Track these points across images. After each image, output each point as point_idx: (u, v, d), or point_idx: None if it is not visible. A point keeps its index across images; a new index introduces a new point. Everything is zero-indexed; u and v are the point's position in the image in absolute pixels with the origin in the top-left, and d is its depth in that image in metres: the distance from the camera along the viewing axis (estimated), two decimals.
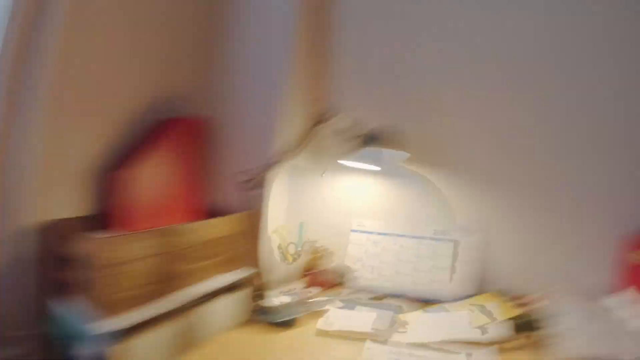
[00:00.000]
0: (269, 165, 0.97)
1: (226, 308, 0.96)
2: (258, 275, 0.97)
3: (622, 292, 1.03)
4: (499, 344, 0.86)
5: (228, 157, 1.15)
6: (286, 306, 0.99)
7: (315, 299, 1.06)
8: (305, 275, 1.13)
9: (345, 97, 1.27)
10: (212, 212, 1.04)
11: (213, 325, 0.90)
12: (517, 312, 0.97)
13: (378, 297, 1.12)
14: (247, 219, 0.97)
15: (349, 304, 1.06)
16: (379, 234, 1.21)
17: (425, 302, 1.09)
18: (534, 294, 1.03)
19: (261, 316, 0.94)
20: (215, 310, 0.92)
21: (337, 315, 0.98)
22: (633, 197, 1.07)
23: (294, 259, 1.13)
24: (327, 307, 1.01)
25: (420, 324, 0.96)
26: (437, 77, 1.20)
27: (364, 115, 1.16)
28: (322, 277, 1.19)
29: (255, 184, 0.96)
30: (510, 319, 0.94)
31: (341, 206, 1.26)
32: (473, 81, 1.17)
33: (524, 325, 0.94)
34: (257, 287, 0.98)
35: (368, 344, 0.86)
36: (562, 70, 1.11)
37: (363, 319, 0.96)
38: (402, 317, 1.00)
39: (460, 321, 0.96)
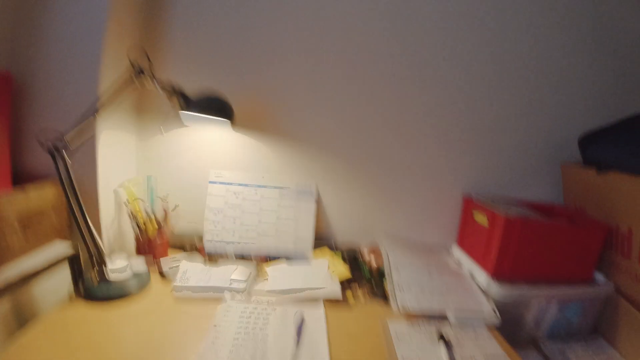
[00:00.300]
0: (85, 121, 0.83)
1: (51, 285, 0.85)
2: (87, 244, 0.87)
3: (456, 248, 1.16)
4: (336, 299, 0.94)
5: (36, 116, 0.95)
6: (131, 274, 0.96)
7: (169, 260, 1.04)
8: (154, 235, 1.05)
9: (174, 58, 1.14)
10: (20, 179, 0.89)
11: (38, 306, 0.85)
12: (354, 267, 1.05)
13: (240, 251, 1.14)
14: (59, 186, 0.83)
15: (208, 261, 1.08)
16: (239, 184, 1.19)
17: (287, 255, 1.16)
18: (370, 249, 1.10)
19: (96, 289, 0.89)
20: (39, 289, 0.85)
21: (194, 274, 0.99)
22: (472, 160, 1.18)
23: (145, 219, 1.03)
24: (183, 267, 1.01)
25: (280, 274, 1.03)
26: (271, 44, 1.14)
27: (193, 77, 1.11)
28: (174, 235, 1.17)
29: (67, 144, 0.81)
30: (347, 275, 0.99)
31: (197, 159, 1.20)
32: (308, 50, 1.14)
33: (359, 281, 1.00)
34: (90, 258, 0.91)
35: (226, 296, 0.91)
36: (401, 35, 1.12)
37: (222, 273, 0.99)
38: (263, 268, 1.06)
39: (319, 271, 1.04)
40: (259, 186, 1.19)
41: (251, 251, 1.15)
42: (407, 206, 1.23)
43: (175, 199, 1.16)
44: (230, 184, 1.19)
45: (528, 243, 0.95)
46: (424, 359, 0.77)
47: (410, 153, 1.18)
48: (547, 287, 0.97)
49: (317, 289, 0.95)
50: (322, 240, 1.22)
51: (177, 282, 0.93)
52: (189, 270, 0.99)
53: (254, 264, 1.06)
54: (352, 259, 1.13)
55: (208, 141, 1.19)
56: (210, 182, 1.18)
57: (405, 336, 0.84)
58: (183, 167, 1.20)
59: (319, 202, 1.21)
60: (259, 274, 1.05)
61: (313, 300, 0.94)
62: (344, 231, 1.25)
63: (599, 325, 1.06)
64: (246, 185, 1.19)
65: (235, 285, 0.95)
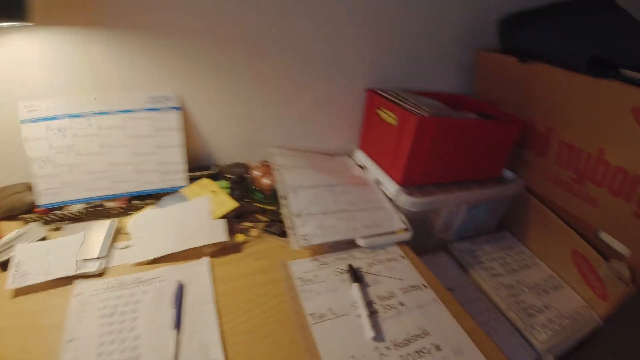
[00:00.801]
0: None
1: None
2: None
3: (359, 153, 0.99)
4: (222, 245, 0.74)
5: None
6: None
7: None
8: None
9: None
10: None
11: None
12: (243, 192, 0.84)
13: (88, 208, 0.83)
14: None
15: (51, 231, 0.77)
16: (65, 116, 0.81)
17: (155, 196, 0.87)
18: (260, 166, 0.89)
19: None
20: None
21: (32, 263, 0.69)
22: (373, 50, 0.95)
23: None
24: (17, 256, 0.69)
25: (148, 231, 0.77)
26: None
27: None
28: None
29: None
30: (232, 205, 0.79)
31: None
32: None
33: (250, 211, 0.80)
34: None
35: (78, 285, 0.65)
36: None
37: (67, 251, 0.70)
38: (123, 225, 0.79)
39: (198, 213, 0.80)
40: (95, 113, 0.82)
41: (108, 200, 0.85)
42: (301, 109, 0.99)
43: None
44: (52, 118, 0.80)
45: (441, 144, 0.81)
46: (336, 306, 0.63)
47: (299, 45, 0.89)
48: (457, 189, 0.87)
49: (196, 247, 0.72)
50: (200, 164, 0.95)
51: (12, 283, 0.63)
52: (24, 260, 0.67)
53: (110, 225, 0.77)
54: (240, 182, 0.90)
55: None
56: (22, 121, 0.78)
57: (311, 279, 0.67)
58: None
59: (186, 117, 0.90)
60: (120, 234, 0.77)
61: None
62: (226, 150, 0.98)
63: (505, 221, 1.04)
64: (75, 115, 0.81)
65: (86, 267, 0.67)
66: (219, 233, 0.73)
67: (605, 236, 0.80)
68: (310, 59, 0.91)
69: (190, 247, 0.71)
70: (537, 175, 0.93)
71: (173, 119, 0.87)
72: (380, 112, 0.92)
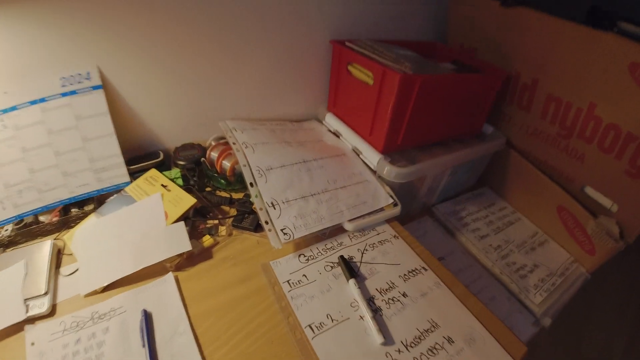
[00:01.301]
0: None
1: None
2: None
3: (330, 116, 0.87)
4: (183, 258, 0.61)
5: None
6: None
7: None
8: None
9: None
10: None
11: None
12: (202, 181, 0.71)
13: (20, 228, 0.66)
14: None
15: None
16: None
17: (97, 199, 0.72)
18: (218, 146, 0.75)
19: None
20: None
21: None
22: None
23: None
24: None
25: (94, 248, 0.62)
26: None
27: None
28: None
29: None
30: (189, 201, 0.66)
31: None
32: None
33: (212, 206, 0.68)
34: None
35: (31, 331, 0.52)
36: None
37: (9, 287, 0.56)
38: (64, 245, 0.64)
39: (149, 217, 0.66)
40: (5, 111, 0.63)
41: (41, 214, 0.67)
42: (256, 71, 0.82)
43: None
44: None
45: (425, 103, 0.71)
46: (334, 310, 0.54)
47: None
48: (441, 152, 0.79)
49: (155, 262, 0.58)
50: (143, 152, 0.78)
51: None
52: None
53: (51, 246, 0.60)
54: (195, 169, 0.75)
55: None
56: None
57: (301, 280, 0.57)
58: None
59: (113, 97, 0.71)
60: (63, 254, 0.62)
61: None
62: (172, 130, 0.80)
63: (485, 177, 0.99)
64: None
65: (35, 307, 0.53)
66: (179, 241, 0.60)
67: (590, 191, 0.78)
68: (261, 7, 0.74)
69: (146, 265, 0.58)
70: (519, 130, 0.87)
71: (96, 102, 0.68)
72: (351, 68, 0.79)
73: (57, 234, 0.66)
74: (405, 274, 0.61)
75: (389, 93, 0.69)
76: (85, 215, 0.68)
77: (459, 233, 0.83)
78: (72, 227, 0.66)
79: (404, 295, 0.57)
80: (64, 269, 0.60)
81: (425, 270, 0.62)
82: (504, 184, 0.95)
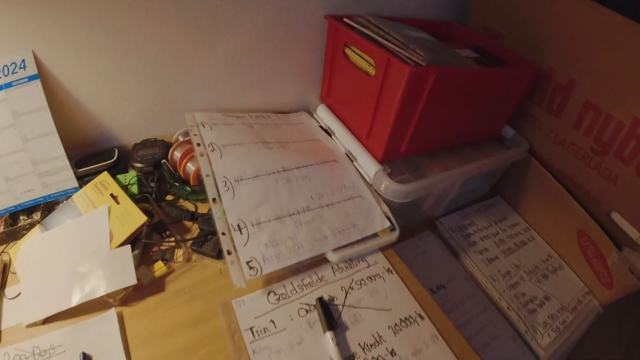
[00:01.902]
0: None
1: None
2: None
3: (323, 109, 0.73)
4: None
5: None
6: None
7: None
8: None
9: None
10: None
11: None
12: (162, 185, 0.59)
13: None
14: None
15: None
16: None
17: (45, 206, 0.61)
18: (185, 144, 0.63)
19: None
20: None
21: None
22: None
23: None
24: None
25: (37, 269, 0.52)
26: None
27: None
28: None
29: None
30: (140, 220, 0.54)
31: None
32: None
33: (170, 222, 0.57)
34: None
35: None
36: None
37: None
38: (10, 259, 0.55)
39: (93, 237, 0.54)
40: None
41: None
42: (232, 50, 0.67)
43: None
44: None
45: (439, 102, 0.57)
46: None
47: None
48: (453, 161, 0.67)
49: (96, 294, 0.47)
50: (94, 150, 0.65)
51: None
52: None
53: None
54: (153, 172, 0.62)
55: None
56: None
57: (267, 327, 0.46)
58: None
59: (55, 88, 0.57)
60: (9, 272, 0.52)
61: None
62: (129, 124, 0.66)
63: (499, 185, 0.86)
64: None
65: None
66: (124, 272, 0.48)
67: (618, 218, 0.65)
68: None
69: (86, 300, 0.47)
70: (544, 136, 0.72)
71: (34, 95, 0.55)
72: (349, 51, 0.64)
73: (4, 245, 0.56)
74: (396, 324, 0.49)
75: (394, 89, 0.54)
76: (34, 224, 0.57)
77: (464, 254, 0.72)
78: (20, 237, 0.56)
79: (392, 353, 0.46)
80: (9, 290, 0.51)
81: (422, 318, 0.50)
82: (520, 195, 0.82)
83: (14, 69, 0.54)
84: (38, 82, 0.55)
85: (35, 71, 0.55)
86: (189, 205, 0.61)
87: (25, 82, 0.55)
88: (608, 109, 0.61)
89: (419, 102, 0.55)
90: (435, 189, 0.63)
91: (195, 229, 0.58)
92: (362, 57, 0.61)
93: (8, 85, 0.55)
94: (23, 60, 0.54)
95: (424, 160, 0.66)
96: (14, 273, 0.52)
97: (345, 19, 0.65)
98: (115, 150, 0.64)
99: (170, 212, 0.58)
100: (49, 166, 0.59)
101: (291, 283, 0.52)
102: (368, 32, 0.61)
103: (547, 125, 0.71)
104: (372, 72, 0.58)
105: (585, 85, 0.63)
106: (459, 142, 0.71)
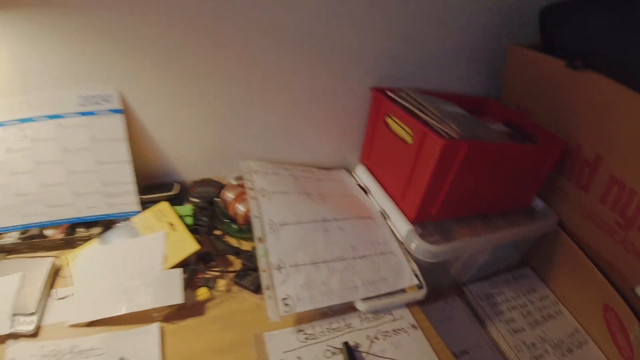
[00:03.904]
0: None
1: None
2: None
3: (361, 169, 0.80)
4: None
5: None
6: None
7: None
8: None
9: None
10: None
11: None
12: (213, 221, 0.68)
13: (25, 238, 0.64)
14: None
15: None
16: None
17: (103, 223, 0.69)
18: (237, 187, 0.70)
19: None
20: None
21: None
22: (383, 40, 0.74)
23: None
24: None
25: (90, 278, 0.59)
26: None
27: None
28: None
29: None
30: (192, 248, 0.62)
31: None
32: None
33: (217, 254, 0.62)
34: None
35: (11, 348, 0.50)
36: None
37: (1, 297, 0.55)
38: (64, 264, 0.61)
39: (149, 257, 0.61)
40: (22, 120, 0.62)
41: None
42: (286, 111, 0.77)
43: None
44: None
45: (469, 172, 0.62)
46: None
47: (283, 25, 0.66)
48: (482, 228, 0.70)
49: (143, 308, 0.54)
50: (158, 181, 0.75)
51: None
52: None
53: (50, 265, 0.58)
54: (208, 208, 0.70)
55: None
56: None
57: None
58: None
59: (133, 122, 0.68)
60: (59, 276, 0.60)
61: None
62: (191, 163, 0.77)
63: (529, 256, 0.87)
64: (2, 124, 0.61)
65: (21, 323, 0.51)
66: (172, 292, 0.54)
67: None
68: (296, 44, 0.68)
69: (136, 310, 0.53)
70: (573, 210, 0.75)
71: (115, 126, 0.65)
72: (390, 121, 0.72)
73: (59, 251, 0.63)
74: None
75: (428, 157, 0.61)
76: (90, 237, 0.64)
77: (489, 322, 0.72)
78: (75, 247, 0.64)
79: None
80: (58, 291, 0.58)
81: None
82: (549, 268, 0.83)
83: (98, 101, 0.65)
84: (121, 116, 0.66)
85: (119, 106, 0.66)
86: (234, 242, 0.67)
87: (108, 113, 0.66)
88: (632, 184, 0.63)
89: (450, 171, 0.61)
90: (464, 252, 0.67)
91: (237, 264, 0.64)
92: (401, 127, 0.68)
93: (91, 113, 0.65)
94: (109, 95, 0.65)
95: (454, 225, 0.70)
96: (64, 277, 0.60)
97: (387, 92, 0.74)
98: (175, 184, 0.74)
99: (218, 246, 0.65)
100: (117, 189, 0.68)
101: (320, 325, 0.56)
102: (408, 105, 0.69)
103: (576, 199, 0.74)
104: (409, 140, 0.65)
105: (610, 161, 0.67)
106: (488, 211, 0.75)
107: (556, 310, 0.79)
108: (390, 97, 0.73)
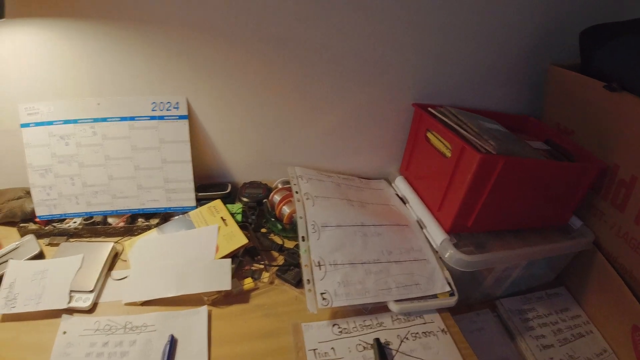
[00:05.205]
0: None
1: None
2: None
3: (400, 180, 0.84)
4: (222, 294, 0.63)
5: None
6: None
7: None
8: None
9: None
10: None
11: None
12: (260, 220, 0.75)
13: (87, 224, 0.74)
14: None
15: (47, 244, 0.70)
16: (66, 122, 0.71)
17: (161, 215, 0.77)
18: (283, 191, 0.75)
19: None
20: None
21: (24, 286, 0.61)
22: (424, 58, 0.78)
23: None
24: (9, 276, 0.62)
25: (147, 262, 0.66)
26: None
27: None
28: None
29: None
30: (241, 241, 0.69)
31: None
32: None
33: (262, 250, 0.69)
34: None
35: (67, 321, 0.57)
36: None
37: (62, 274, 0.63)
38: (123, 248, 0.70)
39: (202, 247, 0.68)
40: (96, 120, 0.71)
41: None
42: (333, 123, 0.83)
43: None
44: (52, 122, 0.70)
45: (505, 187, 0.65)
46: None
47: (333, 45, 0.72)
48: (516, 242, 0.71)
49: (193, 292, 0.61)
50: (212, 181, 0.83)
51: (2, 307, 0.56)
52: (17, 281, 0.60)
53: (110, 249, 0.66)
54: (256, 207, 0.77)
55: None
56: (23, 125, 0.69)
57: (327, 353, 0.54)
58: None
59: (195, 128, 0.77)
60: (117, 259, 0.68)
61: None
62: (243, 167, 0.84)
63: (563, 274, 0.87)
64: (75, 121, 0.71)
65: (78, 300, 0.59)
66: (222, 279, 0.61)
67: None
68: (346, 62, 0.75)
69: (188, 292, 0.59)
70: (609, 230, 0.75)
71: (180, 130, 0.74)
72: (430, 135, 0.76)
73: (119, 238, 0.72)
74: None
75: (465, 171, 0.64)
76: (149, 227, 0.72)
77: (519, 337, 0.73)
78: (134, 235, 0.72)
79: None
80: (115, 273, 0.66)
81: None
82: (583, 287, 0.82)
83: (168, 107, 0.74)
84: (186, 121, 0.74)
85: (185, 113, 0.74)
86: (278, 240, 0.73)
87: (175, 119, 0.74)
88: None
89: (487, 184, 0.64)
90: (497, 264, 0.69)
91: (280, 259, 0.69)
92: (440, 141, 0.72)
93: (161, 117, 0.74)
94: (177, 103, 0.74)
95: (489, 239, 0.72)
96: (124, 260, 0.68)
97: (429, 108, 0.78)
98: (227, 184, 0.81)
99: (263, 242, 0.71)
100: (177, 186, 0.76)
101: (354, 321, 0.60)
102: (448, 121, 0.72)
103: (612, 218, 0.74)
104: (448, 154, 0.69)
105: None
106: (524, 226, 0.76)
107: (587, 330, 0.78)
108: (431, 113, 0.77)
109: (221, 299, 0.61)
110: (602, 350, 0.75)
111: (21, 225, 0.71)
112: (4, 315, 0.56)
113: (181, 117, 0.73)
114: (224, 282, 0.61)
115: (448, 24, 0.74)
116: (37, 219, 0.73)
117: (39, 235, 0.70)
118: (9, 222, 0.73)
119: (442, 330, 0.60)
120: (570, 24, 0.78)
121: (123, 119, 0.72)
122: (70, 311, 0.58)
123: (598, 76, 0.73)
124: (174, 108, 0.73)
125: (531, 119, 0.89)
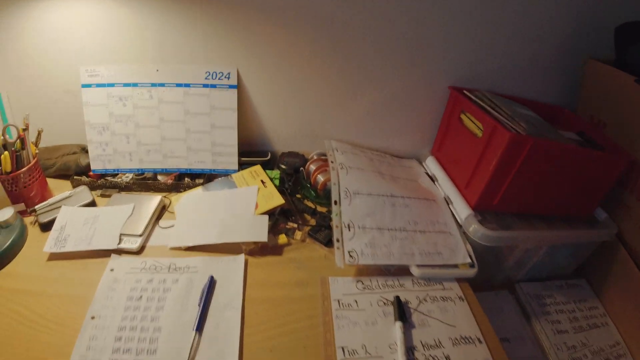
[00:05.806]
0: None
1: None
2: None
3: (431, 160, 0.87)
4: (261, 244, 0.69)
5: None
6: None
7: (46, 206, 0.72)
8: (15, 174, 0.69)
9: None
10: None
11: None
12: (296, 186, 0.82)
13: (139, 179, 0.82)
14: None
15: (100, 196, 0.79)
16: (125, 85, 0.79)
17: (205, 176, 0.85)
18: (318, 161, 0.81)
19: None
20: None
21: (75, 228, 0.69)
22: (464, 43, 0.81)
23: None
24: (61, 219, 0.70)
25: (192, 214, 0.74)
26: None
27: None
28: (46, 166, 0.81)
29: None
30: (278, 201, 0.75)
31: (59, 54, 0.77)
32: None
33: (296, 212, 0.76)
34: None
35: (115, 260, 0.65)
36: None
37: (111, 223, 0.70)
38: (171, 202, 0.77)
39: (243, 204, 0.75)
40: (154, 85, 0.79)
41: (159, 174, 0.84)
42: (371, 102, 0.87)
43: (39, 118, 0.76)
44: (112, 85, 0.78)
45: (532, 169, 0.67)
46: (372, 344, 0.54)
47: (378, 28, 0.76)
48: (540, 225, 0.74)
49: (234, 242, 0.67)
50: (254, 149, 0.90)
51: (51, 247, 0.64)
52: (68, 224, 0.68)
53: (159, 201, 0.74)
54: (293, 175, 0.83)
55: (65, 25, 0.74)
56: (84, 85, 0.78)
57: (351, 304, 0.59)
58: (40, 72, 0.78)
59: (243, 97, 0.83)
60: (165, 211, 0.76)
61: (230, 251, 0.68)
62: (283, 137, 0.91)
63: (585, 267, 0.88)
64: (135, 85, 0.79)
65: (128, 242, 0.66)
66: (260, 231, 0.67)
67: None
68: (388, 44, 0.79)
69: (229, 241, 0.66)
70: (633, 224, 0.75)
71: (230, 98, 0.80)
72: (464, 117, 0.79)
73: (167, 193, 0.80)
74: (456, 339, 0.58)
75: (495, 149, 0.67)
76: (195, 186, 0.80)
77: (535, 319, 0.75)
78: (180, 192, 0.79)
79: (447, 358, 0.55)
80: (162, 222, 0.73)
81: (480, 342, 0.58)
82: (604, 281, 0.83)
83: (220, 77, 0.81)
84: (235, 90, 0.81)
85: (235, 83, 0.81)
86: (311, 205, 0.79)
87: (226, 88, 0.81)
88: None
89: (514, 164, 0.66)
90: (519, 243, 0.71)
91: (312, 221, 0.75)
92: (473, 122, 0.75)
93: (213, 86, 0.81)
94: (229, 73, 0.81)
95: (515, 220, 0.74)
96: (171, 212, 0.75)
97: (465, 91, 0.81)
98: (268, 152, 0.88)
99: (298, 205, 0.77)
100: (222, 150, 0.83)
101: (377, 280, 0.65)
102: (482, 104, 0.75)
103: (637, 213, 0.75)
104: (479, 134, 0.72)
105: None
106: (549, 212, 0.78)
107: (603, 322, 0.79)
108: (466, 96, 0.80)
109: (257, 250, 0.67)
110: (615, 343, 0.76)
111: (75, 177, 0.80)
112: (52, 254, 0.64)
113: (231, 87, 0.80)
114: (262, 235, 0.67)
115: (489, 14, 0.77)
116: (91, 173, 0.81)
117: (92, 187, 0.79)
118: (63, 174, 0.81)
119: (460, 298, 0.64)
120: (607, 21, 0.78)
121: (178, 85, 0.80)
122: (119, 252, 0.66)
123: (631, 71, 0.74)
124: (226, 78, 0.80)
125: (565, 111, 0.89)
